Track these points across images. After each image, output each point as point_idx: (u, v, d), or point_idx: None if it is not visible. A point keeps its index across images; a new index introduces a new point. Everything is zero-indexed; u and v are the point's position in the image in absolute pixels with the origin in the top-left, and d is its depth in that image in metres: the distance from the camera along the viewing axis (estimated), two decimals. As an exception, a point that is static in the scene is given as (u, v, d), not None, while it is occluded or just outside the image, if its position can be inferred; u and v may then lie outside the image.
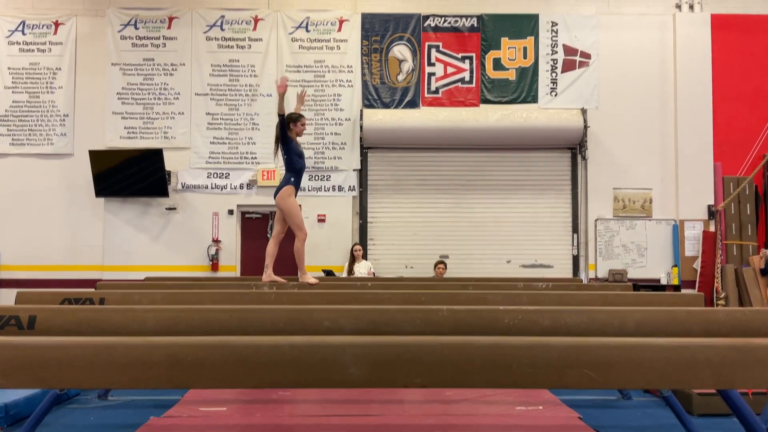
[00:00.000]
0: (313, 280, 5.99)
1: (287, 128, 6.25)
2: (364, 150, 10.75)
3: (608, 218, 10.77)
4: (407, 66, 10.87)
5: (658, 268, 10.71)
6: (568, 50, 10.87)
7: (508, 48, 10.86)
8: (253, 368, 2.50)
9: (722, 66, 10.83)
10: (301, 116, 6.37)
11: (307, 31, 10.83)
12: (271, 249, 6.34)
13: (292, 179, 6.30)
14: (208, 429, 4.66)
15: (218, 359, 2.51)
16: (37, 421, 4.63)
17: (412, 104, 10.80)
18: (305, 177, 10.62)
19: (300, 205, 6.42)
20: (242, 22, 10.81)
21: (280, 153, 6.43)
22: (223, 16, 10.80)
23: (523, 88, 10.83)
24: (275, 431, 4.65)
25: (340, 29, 10.84)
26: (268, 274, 6.13)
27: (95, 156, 10.28)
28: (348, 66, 10.83)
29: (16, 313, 3.57)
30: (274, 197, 6.31)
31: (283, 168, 11.05)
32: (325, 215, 10.53)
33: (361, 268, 9.96)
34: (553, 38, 10.87)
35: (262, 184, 10.60)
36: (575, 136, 10.59)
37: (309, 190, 10.60)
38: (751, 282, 10.27)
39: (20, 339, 2.67)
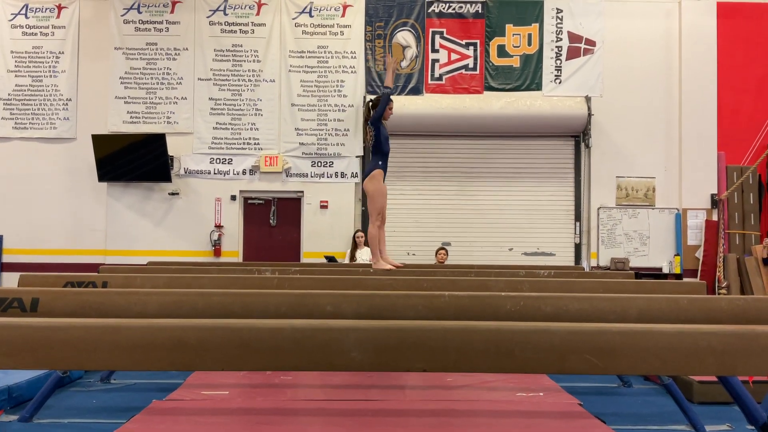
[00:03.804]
0: (388, 266, 5.92)
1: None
2: (367, 136, 10.72)
3: (611, 207, 10.76)
4: (411, 52, 10.81)
5: (661, 256, 10.71)
6: (573, 37, 10.81)
7: (513, 35, 10.80)
8: (255, 351, 2.50)
9: (727, 55, 10.76)
10: (390, 100, 6.31)
11: (311, 16, 10.78)
12: (375, 234, 6.28)
13: (380, 163, 6.25)
14: (211, 412, 4.68)
15: (221, 342, 2.51)
16: (40, 404, 4.67)
17: (416, 91, 10.76)
18: (308, 162, 10.68)
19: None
20: (245, 6, 10.76)
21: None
22: (226, 1, 10.74)
23: (527, 76, 10.78)
24: (277, 415, 4.67)
25: (343, 15, 10.79)
26: (377, 260, 6.09)
27: (98, 140, 10.28)
28: (351, 52, 10.78)
29: (19, 296, 3.56)
30: (362, 181, 6.30)
31: (285, 154, 11.00)
32: (327, 201, 10.52)
33: (363, 255, 9.96)
34: (558, 25, 10.80)
35: (264, 170, 10.59)
36: (579, 124, 10.55)
37: (311, 177, 10.62)
38: (753, 271, 10.26)
39: (23, 320, 2.67)
